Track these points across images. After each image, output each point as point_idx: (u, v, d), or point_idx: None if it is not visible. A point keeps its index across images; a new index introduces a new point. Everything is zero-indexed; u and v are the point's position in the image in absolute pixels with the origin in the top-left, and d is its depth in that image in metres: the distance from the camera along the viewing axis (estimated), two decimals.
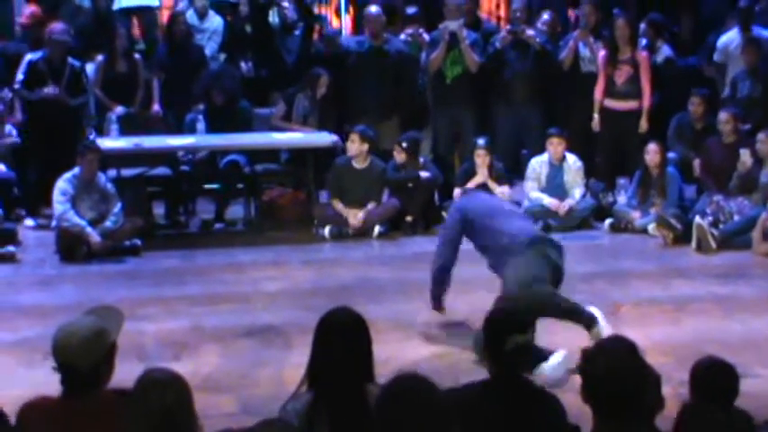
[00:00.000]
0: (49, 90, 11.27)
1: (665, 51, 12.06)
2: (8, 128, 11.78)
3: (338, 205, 10.89)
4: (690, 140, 11.47)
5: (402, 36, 12.32)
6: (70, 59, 11.51)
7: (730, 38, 12.08)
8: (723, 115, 10.98)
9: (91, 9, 13.24)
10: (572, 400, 4.19)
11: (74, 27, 12.45)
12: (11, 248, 10.10)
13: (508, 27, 12.40)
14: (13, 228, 10.55)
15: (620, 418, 3.70)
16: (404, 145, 11.05)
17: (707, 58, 12.43)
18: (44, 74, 11.33)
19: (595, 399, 3.73)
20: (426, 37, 12.13)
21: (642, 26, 12.10)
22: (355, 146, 10.92)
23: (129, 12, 13.48)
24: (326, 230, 10.84)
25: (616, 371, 3.69)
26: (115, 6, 13.31)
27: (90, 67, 12.00)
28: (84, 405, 4.07)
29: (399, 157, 11.06)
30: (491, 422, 4.22)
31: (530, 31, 11.78)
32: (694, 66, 12.60)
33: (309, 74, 11.82)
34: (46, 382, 4.27)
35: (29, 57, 11.43)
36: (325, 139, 11.27)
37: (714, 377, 4.33)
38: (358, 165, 10.99)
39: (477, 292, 7.57)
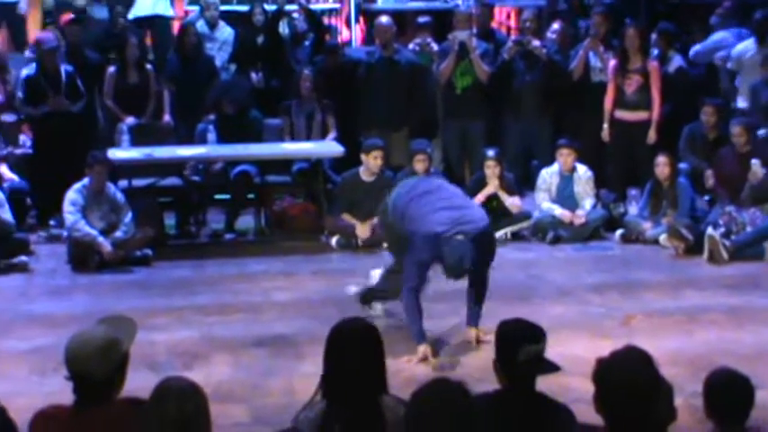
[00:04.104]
0: (52, 102, 11.26)
1: (676, 61, 12.00)
2: (23, 138, 11.82)
3: (347, 216, 10.83)
4: (702, 151, 11.38)
5: (411, 46, 12.30)
6: (63, 65, 11.51)
7: (746, 47, 11.98)
8: (736, 128, 10.81)
9: (105, 20, 13.25)
10: (584, 411, 4.18)
11: (88, 38, 12.48)
12: (23, 258, 10.11)
13: (514, 38, 12.38)
14: (26, 238, 10.54)
15: (632, 428, 3.70)
16: (428, 151, 10.90)
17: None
18: (43, 86, 11.34)
19: (609, 409, 3.72)
20: (435, 46, 12.11)
21: (653, 36, 12.06)
22: (378, 162, 10.75)
23: (142, 21, 13.48)
24: (334, 241, 10.83)
25: (630, 381, 3.68)
26: (130, 15, 13.32)
27: None
28: (97, 415, 4.06)
29: (421, 165, 10.70)
30: None
31: (535, 42, 11.76)
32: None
33: (293, 77, 11.85)
34: (58, 391, 4.26)
35: (24, 73, 11.47)
36: (335, 149, 11.26)
37: (729, 389, 4.31)
38: (367, 178, 10.88)
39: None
